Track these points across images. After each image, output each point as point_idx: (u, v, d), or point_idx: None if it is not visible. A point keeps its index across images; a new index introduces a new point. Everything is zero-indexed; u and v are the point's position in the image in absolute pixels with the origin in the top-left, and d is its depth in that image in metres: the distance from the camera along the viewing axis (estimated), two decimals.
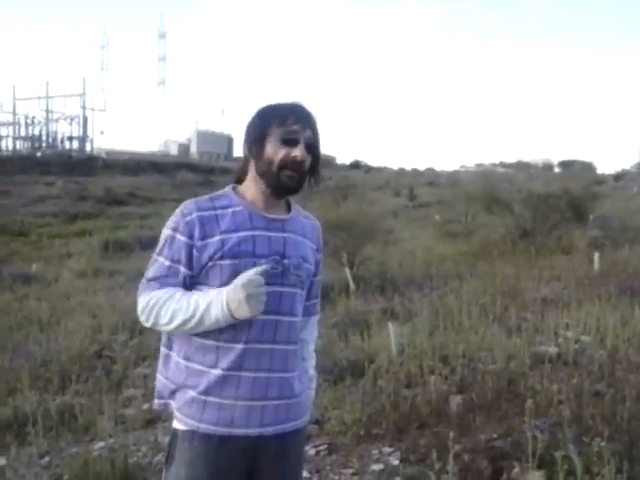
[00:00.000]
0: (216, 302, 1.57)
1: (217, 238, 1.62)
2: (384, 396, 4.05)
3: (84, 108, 59.31)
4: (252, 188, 1.71)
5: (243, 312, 1.54)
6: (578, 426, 3.23)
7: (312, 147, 1.68)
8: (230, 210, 1.67)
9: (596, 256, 9.11)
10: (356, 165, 65.17)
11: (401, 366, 4.57)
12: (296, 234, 1.73)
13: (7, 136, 58.24)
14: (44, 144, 57.67)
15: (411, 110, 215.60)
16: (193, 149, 69.18)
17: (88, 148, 58.53)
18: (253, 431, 1.63)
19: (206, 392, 1.62)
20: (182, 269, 1.64)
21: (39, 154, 51.24)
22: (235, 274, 1.58)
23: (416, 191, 31.44)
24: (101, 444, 3.87)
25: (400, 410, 3.87)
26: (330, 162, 54.13)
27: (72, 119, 59.39)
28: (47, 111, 58.71)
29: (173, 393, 1.68)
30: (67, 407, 4.54)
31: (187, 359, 1.65)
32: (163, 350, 1.72)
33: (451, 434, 2.75)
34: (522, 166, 63.22)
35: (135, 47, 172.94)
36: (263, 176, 1.67)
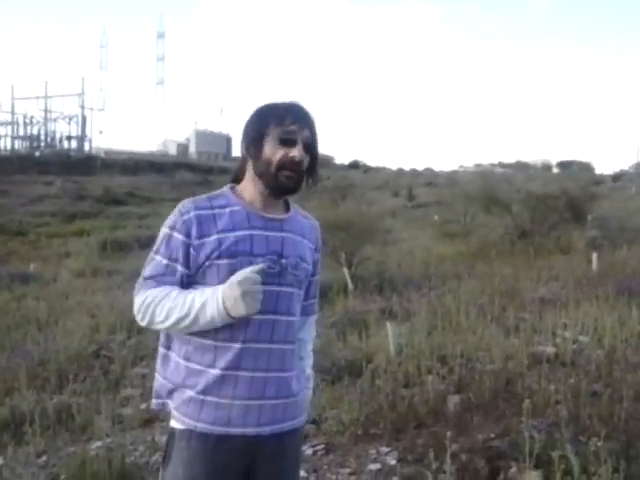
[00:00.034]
0: (212, 300, 1.56)
1: (214, 237, 1.62)
2: (382, 396, 4.05)
3: (83, 108, 59.39)
4: (250, 188, 1.70)
5: (239, 310, 1.54)
6: (575, 426, 3.24)
7: (310, 147, 1.68)
8: (228, 209, 1.67)
9: (594, 256, 9.13)
10: (355, 165, 65.21)
11: (399, 366, 4.57)
12: (294, 234, 1.73)
13: (5, 135, 58.37)
14: (43, 144, 57.68)
15: (410, 110, 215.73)
16: (192, 149, 69.17)
17: (87, 148, 58.56)
18: (250, 430, 1.63)
19: (204, 392, 1.62)
20: (179, 268, 1.64)
21: (38, 154, 51.24)
22: (232, 274, 1.57)
23: (415, 191, 31.45)
24: (98, 444, 3.87)
25: (398, 410, 3.87)
26: (329, 162, 54.09)
27: (71, 119, 59.44)
28: (46, 111, 58.76)
29: (171, 393, 1.68)
30: (64, 406, 4.54)
31: (187, 359, 1.65)
32: (161, 350, 1.72)
33: (448, 434, 2.75)
34: (521, 166, 63.31)
35: (134, 47, 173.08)
36: (261, 176, 1.67)
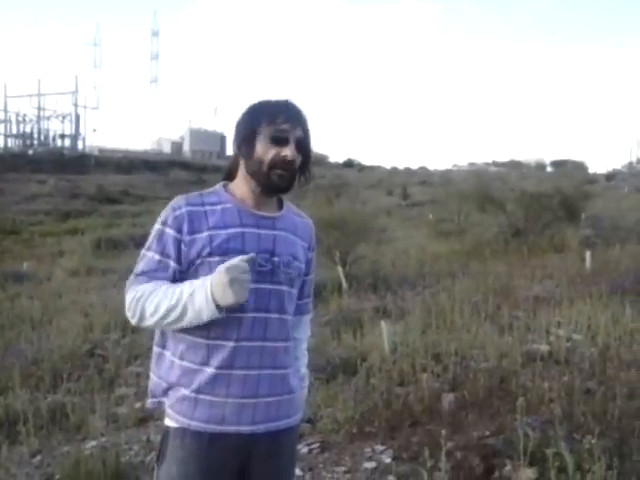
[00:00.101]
0: (200, 289, 1.55)
1: (205, 234, 1.62)
2: (376, 394, 4.06)
3: (76, 106, 59.19)
4: (242, 186, 1.70)
5: (227, 298, 1.51)
6: (569, 423, 3.25)
7: (302, 146, 1.68)
8: (219, 207, 1.67)
9: (588, 255, 9.15)
10: (349, 164, 65.16)
11: (394, 364, 4.57)
12: (287, 232, 1.73)
13: None
14: (36, 142, 57.46)
15: (404, 109, 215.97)
16: (186, 147, 69.05)
17: (80, 146, 58.36)
18: (245, 428, 1.63)
19: (198, 390, 1.62)
20: (172, 263, 1.63)
21: (31, 152, 51.03)
22: None
23: (409, 190, 31.47)
24: (93, 443, 3.86)
25: (392, 408, 3.88)
26: (323, 161, 54.12)
27: (64, 117, 59.23)
28: (39, 109, 58.52)
29: (166, 391, 1.67)
30: (59, 406, 4.52)
31: (181, 358, 1.65)
32: (156, 349, 1.72)
33: (443, 432, 2.76)
34: (515, 165, 63.45)
35: (128, 45, 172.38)
36: (253, 175, 1.66)
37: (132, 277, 1.66)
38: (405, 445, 3.43)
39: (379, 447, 3.48)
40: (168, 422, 1.67)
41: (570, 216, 14.24)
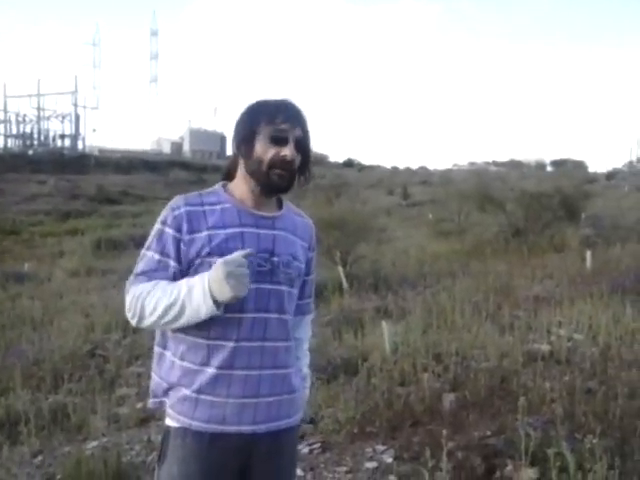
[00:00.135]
0: (198, 285, 1.54)
1: (205, 234, 1.62)
2: (378, 394, 4.06)
3: (76, 106, 59.12)
4: (242, 186, 1.70)
5: (225, 292, 1.50)
6: (570, 423, 3.25)
7: (302, 145, 1.67)
8: (219, 207, 1.66)
9: (588, 254, 9.15)
10: (349, 163, 65.10)
11: (395, 364, 4.58)
12: (286, 232, 1.73)
13: None
14: (36, 142, 57.40)
15: (404, 108, 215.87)
16: (186, 147, 69.00)
17: (80, 146, 58.31)
18: (246, 428, 1.63)
19: (199, 390, 1.62)
20: (172, 263, 1.63)
21: (31, 152, 50.99)
22: None
23: (409, 190, 31.45)
24: (94, 443, 3.86)
25: (394, 408, 3.88)
26: (323, 160, 54.06)
27: (64, 117, 59.15)
28: (39, 109, 58.46)
29: (167, 391, 1.67)
30: (60, 406, 4.52)
31: (182, 358, 1.65)
32: (157, 349, 1.72)
33: (444, 432, 2.76)
34: (515, 165, 63.35)
35: (127, 45, 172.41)
36: (253, 175, 1.66)
37: (132, 277, 1.66)
38: (406, 445, 3.43)
39: (380, 447, 3.48)
40: (169, 422, 1.67)
41: (570, 215, 14.24)
